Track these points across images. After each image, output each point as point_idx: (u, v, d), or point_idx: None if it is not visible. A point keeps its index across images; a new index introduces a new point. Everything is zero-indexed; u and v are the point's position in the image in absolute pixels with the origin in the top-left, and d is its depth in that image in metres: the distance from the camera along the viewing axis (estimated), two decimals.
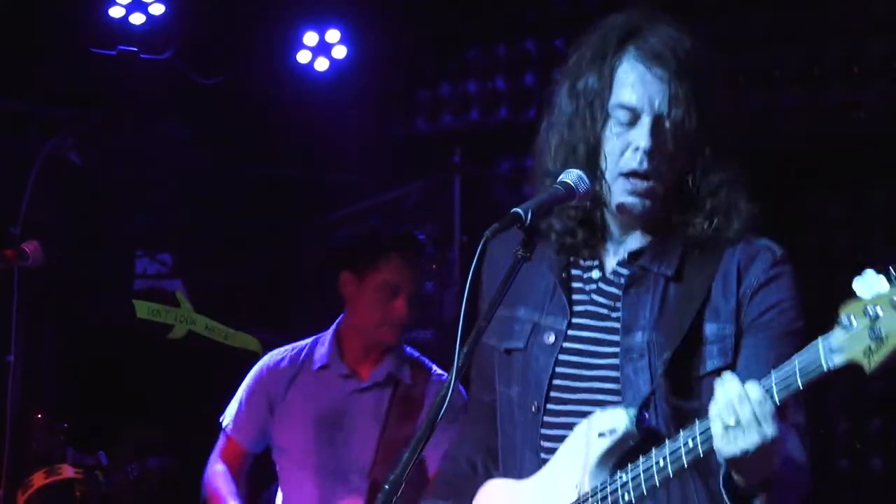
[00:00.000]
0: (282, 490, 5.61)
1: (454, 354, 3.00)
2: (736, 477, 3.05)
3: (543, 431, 3.37)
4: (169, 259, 8.25)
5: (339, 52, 7.90)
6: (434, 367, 5.61)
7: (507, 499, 3.44)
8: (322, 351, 5.62)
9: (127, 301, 7.45)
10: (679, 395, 3.24)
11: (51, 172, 6.30)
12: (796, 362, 2.89)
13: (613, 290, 3.38)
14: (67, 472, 6.26)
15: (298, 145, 8.22)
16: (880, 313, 2.77)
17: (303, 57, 7.87)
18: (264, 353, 5.87)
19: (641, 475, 3.12)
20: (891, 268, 2.77)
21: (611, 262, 3.41)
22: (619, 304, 3.35)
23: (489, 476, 3.56)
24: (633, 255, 3.38)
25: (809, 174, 7.06)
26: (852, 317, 2.81)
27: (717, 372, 3.14)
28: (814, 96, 7.06)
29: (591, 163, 3.32)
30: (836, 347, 2.83)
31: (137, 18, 7.41)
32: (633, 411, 3.18)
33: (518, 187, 7.75)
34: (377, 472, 5.42)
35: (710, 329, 3.27)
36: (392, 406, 5.50)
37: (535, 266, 3.38)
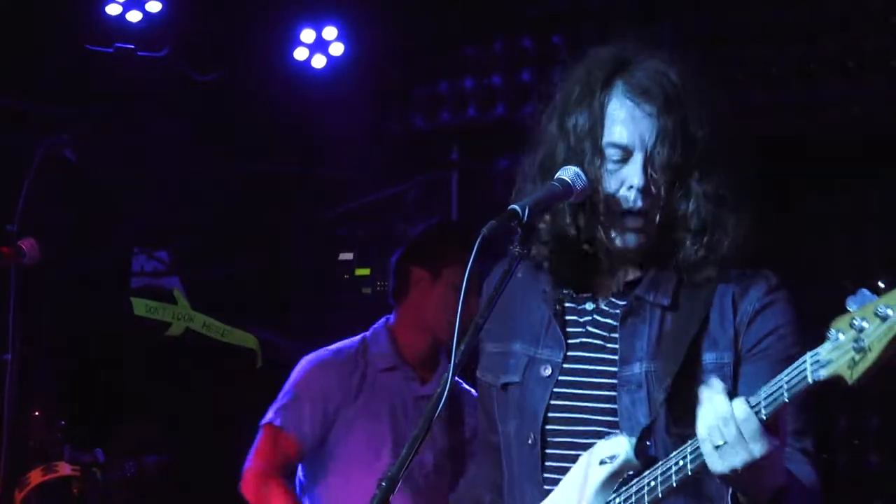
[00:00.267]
0: (325, 491, 5.53)
1: (451, 352, 3.00)
2: (742, 499, 3.04)
3: (546, 464, 3.37)
4: (166, 256, 8.25)
5: (337, 49, 7.89)
6: None
7: None
8: (383, 352, 5.57)
9: (124, 298, 7.46)
10: (679, 425, 3.23)
11: (47, 170, 6.28)
12: (784, 379, 2.89)
13: (609, 321, 3.37)
14: (64, 469, 6.27)
15: (296, 142, 8.22)
16: (865, 325, 2.77)
17: (300, 54, 7.87)
18: (262, 351, 5.85)
19: (633, 496, 3.12)
20: (880, 282, 2.76)
21: (605, 295, 3.41)
22: (615, 335, 3.34)
23: None
24: (628, 286, 3.38)
25: (805, 170, 7.05)
26: (840, 332, 2.81)
27: None
28: (810, 92, 7.06)
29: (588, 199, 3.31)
30: (824, 361, 2.83)
31: (134, 16, 7.41)
32: (633, 439, 3.18)
33: (516, 184, 7.74)
34: (438, 474, 5.41)
35: (708, 358, 3.28)
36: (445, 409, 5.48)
37: (529, 300, 3.42)
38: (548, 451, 3.37)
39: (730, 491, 3.07)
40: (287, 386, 5.60)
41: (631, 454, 3.17)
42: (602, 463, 3.21)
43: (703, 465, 2.99)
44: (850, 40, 6.91)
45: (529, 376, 3.41)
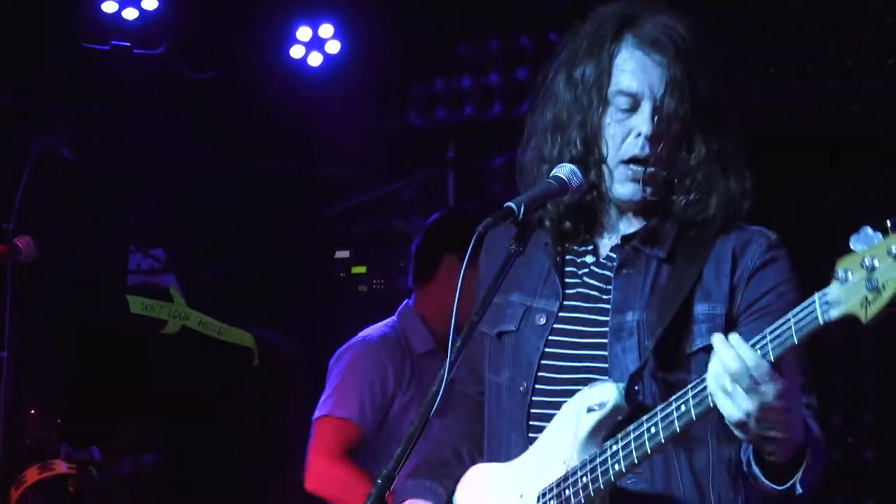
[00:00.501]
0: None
1: (448, 348, 3.00)
2: (766, 453, 3.02)
3: (532, 411, 3.36)
4: (162, 254, 8.24)
5: (333, 46, 7.89)
6: None
7: (492, 480, 3.42)
8: (421, 336, 5.60)
9: (120, 296, 7.46)
10: (667, 372, 3.23)
11: (44, 168, 6.28)
12: (792, 319, 2.86)
13: (606, 272, 3.39)
14: (61, 467, 6.26)
15: (292, 140, 8.21)
16: (877, 264, 2.74)
17: (296, 52, 7.86)
18: (258, 349, 5.84)
19: (633, 443, 3.08)
20: (888, 220, 2.75)
21: (605, 248, 3.43)
22: (610, 287, 3.36)
23: (474, 464, 3.54)
24: (626, 239, 3.39)
25: (804, 168, 7.06)
26: (849, 271, 2.78)
27: (706, 349, 3.12)
28: (808, 91, 7.06)
29: (589, 150, 3.34)
30: (833, 301, 2.79)
31: (130, 13, 7.40)
32: (622, 385, 3.17)
33: (512, 182, 7.74)
34: None
35: (700, 309, 3.27)
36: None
37: (531, 253, 3.39)
38: (535, 398, 3.36)
39: (750, 449, 3.05)
40: (334, 377, 5.59)
41: (621, 399, 3.15)
42: (590, 410, 3.18)
43: (709, 410, 2.97)
44: (849, 39, 6.91)
45: (525, 325, 3.43)
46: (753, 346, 2.90)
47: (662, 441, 3.04)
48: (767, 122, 7.02)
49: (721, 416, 2.98)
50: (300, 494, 5.66)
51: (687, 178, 3.33)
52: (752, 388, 2.88)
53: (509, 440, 3.41)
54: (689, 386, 3.02)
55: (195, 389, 7.88)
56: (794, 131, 7.15)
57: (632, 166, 3.32)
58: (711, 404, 2.96)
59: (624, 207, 3.39)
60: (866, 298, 2.75)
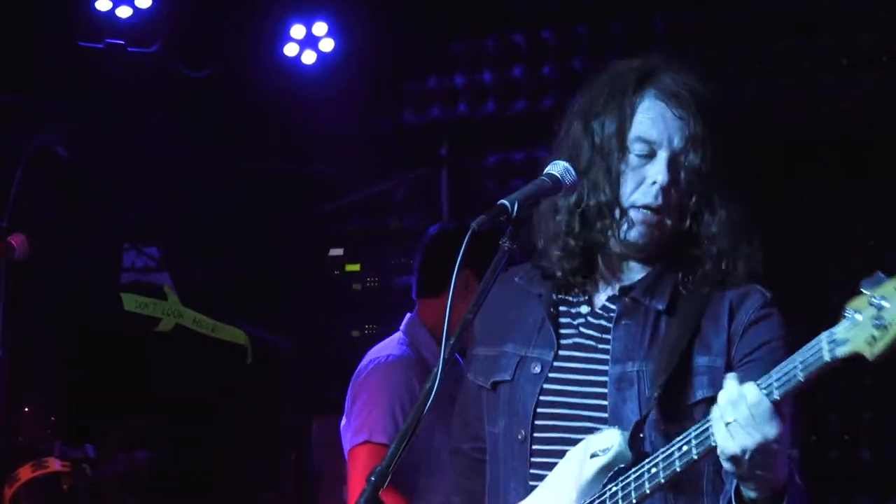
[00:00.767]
0: (425, 494, 5.45)
1: (441, 347, 3.00)
2: (746, 491, 3.04)
3: (533, 460, 3.38)
4: (156, 252, 8.24)
5: (327, 44, 7.88)
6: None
7: None
8: (431, 349, 5.47)
9: (114, 294, 7.45)
10: (668, 423, 3.25)
11: (38, 166, 6.27)
12: (798, 359, 2.90)
13: (602, 322, 3.40)
14: (55, 465, 6.26)
15: (286, 138, 8.21)
16: (885, 304, 2.79)
17: (290, 50, 7.85)
18: (252, 347, 5.80)
19: (632, 483, 3.12)
20: None
21: (600, 299, 3.44)
22: (607, 336, 3.37)
23: None
24: (625, 290, 3.41)
25: (798, 165, 7.06)
26: (857, 311, 2.83)
27: (707, 401, 3.17)
28: (802, 89, 7.06)
29: (612, 195, 3.36)
30: (840, 340, 2.84)
31: (124, 12, 7.39)
32: (626, 433, 3.20)
33: (506, 180, 7.75)
34: None
35: (700, 361, 3.30)
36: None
37: (524, 304, 3.46)
38: (535, 447, 3.37)
39: (734, 485, 3.07)
40: (364, 399, 5.41)
41: (624, 446, 3.18)
42: (594, 456, 3.21)
43: (710, 451, 3.01)
44: (843, 37, 6.92)
45: (520, 375, 3.43)
46: (759, 384, 2.94)
47: (662, 481, 3.08)
48: (761, 120, 7.03)
49: (720, 466, 3.03)
50: (295, 491, 5.65)
51: (710, 242, 3.36)
52: (751, 424, 2.92)
53: (507, 489, 3.42)
54: (692, 428, 3.06)
55: (189, 387, 7.89)
56: (787, 128, 7.16)
57: (643, 211, 3.34)
58: (713, 444, 3.00)
59: (629, 253, 3.40)
60: (873, 336, 2.81)
